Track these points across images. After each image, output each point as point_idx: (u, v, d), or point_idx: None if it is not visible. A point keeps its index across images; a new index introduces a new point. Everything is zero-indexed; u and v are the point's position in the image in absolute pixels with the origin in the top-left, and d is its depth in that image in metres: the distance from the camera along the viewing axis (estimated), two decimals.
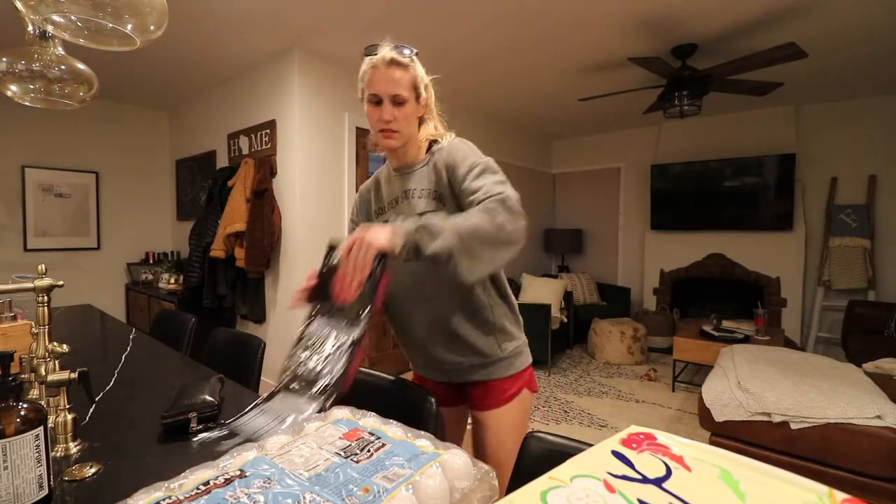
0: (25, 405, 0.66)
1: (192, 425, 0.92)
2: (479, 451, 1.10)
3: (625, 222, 5.16)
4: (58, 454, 0.81)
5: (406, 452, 0.62)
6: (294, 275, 2.91)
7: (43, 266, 0.90)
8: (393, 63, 0.95)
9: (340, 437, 0.67)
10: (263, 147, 3.10)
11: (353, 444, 0.65)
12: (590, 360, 4.05)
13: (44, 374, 0.84)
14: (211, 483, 0.55)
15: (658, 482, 0.42)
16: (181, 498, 0.52)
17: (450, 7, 2.34)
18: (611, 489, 0.41)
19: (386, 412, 0.78)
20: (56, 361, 0.88)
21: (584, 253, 5.48)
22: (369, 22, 2.50)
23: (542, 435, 0.84)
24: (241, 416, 0.90)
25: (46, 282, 0.87)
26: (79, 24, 0.95)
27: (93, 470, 0.77)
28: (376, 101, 0.97)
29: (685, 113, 2.95)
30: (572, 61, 3.07)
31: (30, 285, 0.86)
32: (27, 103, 1.40)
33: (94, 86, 1.43)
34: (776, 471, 0.41)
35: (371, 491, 0.54)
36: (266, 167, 2.99)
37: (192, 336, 1.84)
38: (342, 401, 0.81)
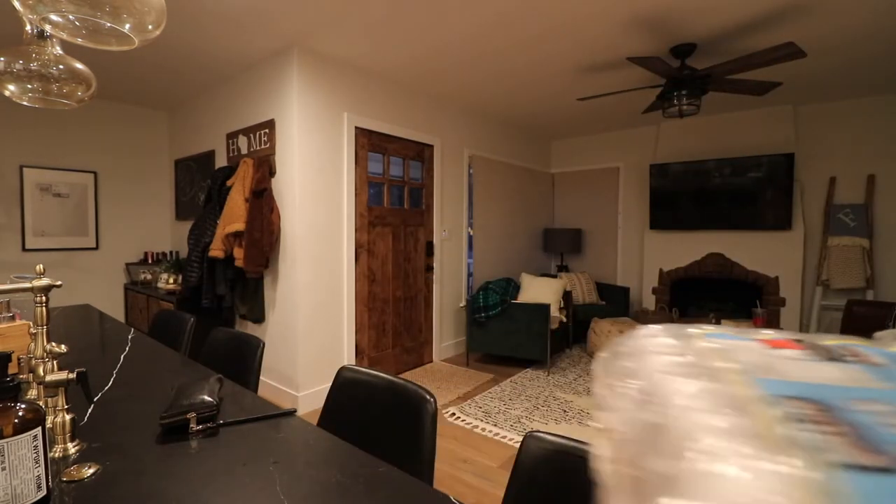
0: (23, 406, 0.66)
1: (191, 426, 0.92)
2: None
3: (624, 222, 5.16)
4: (56, 455, 0.81)
5: None
6: (293, 274, 2.90)
7: (41, 266, 0.90)
8: None
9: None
10: (262, 147, 3.09)
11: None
12: (589, 359, 4.05)
13: (42, 374, 0.84)
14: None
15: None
16: None
17: (449, 7, 2.33)
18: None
19: (385, 412, 0.77)
20: (54, 362, 0.87)
21: (583, 252, 5.49)
22: (369, 22, 2.50)
23: (542, 435, 0.84)
24: None
25: (45, 282, 0.87)
26: (77, 23, 0.95)
27: (91, 470, 0.76)
28: None
29: (684, 112, 2.95)
30: (571, 61, 3.07)
31: (28, 285, 0.86)
32: (25, 103, 1.39)
33: (93, 85, 1.42)
34: None
35: None
36: (265, 167, 2.98)
37: (191, 336, 1.84)
38: None
